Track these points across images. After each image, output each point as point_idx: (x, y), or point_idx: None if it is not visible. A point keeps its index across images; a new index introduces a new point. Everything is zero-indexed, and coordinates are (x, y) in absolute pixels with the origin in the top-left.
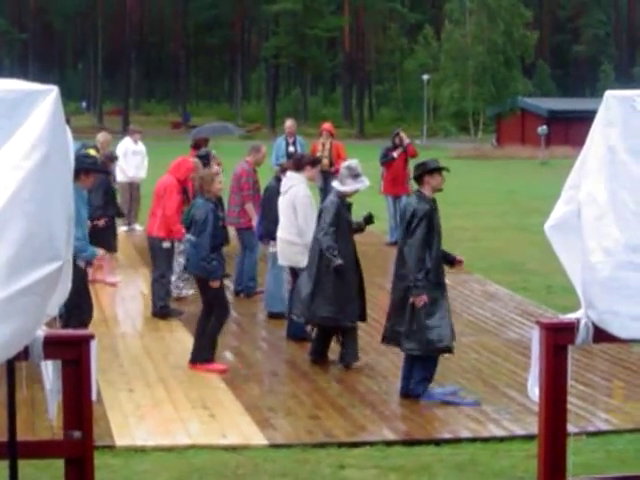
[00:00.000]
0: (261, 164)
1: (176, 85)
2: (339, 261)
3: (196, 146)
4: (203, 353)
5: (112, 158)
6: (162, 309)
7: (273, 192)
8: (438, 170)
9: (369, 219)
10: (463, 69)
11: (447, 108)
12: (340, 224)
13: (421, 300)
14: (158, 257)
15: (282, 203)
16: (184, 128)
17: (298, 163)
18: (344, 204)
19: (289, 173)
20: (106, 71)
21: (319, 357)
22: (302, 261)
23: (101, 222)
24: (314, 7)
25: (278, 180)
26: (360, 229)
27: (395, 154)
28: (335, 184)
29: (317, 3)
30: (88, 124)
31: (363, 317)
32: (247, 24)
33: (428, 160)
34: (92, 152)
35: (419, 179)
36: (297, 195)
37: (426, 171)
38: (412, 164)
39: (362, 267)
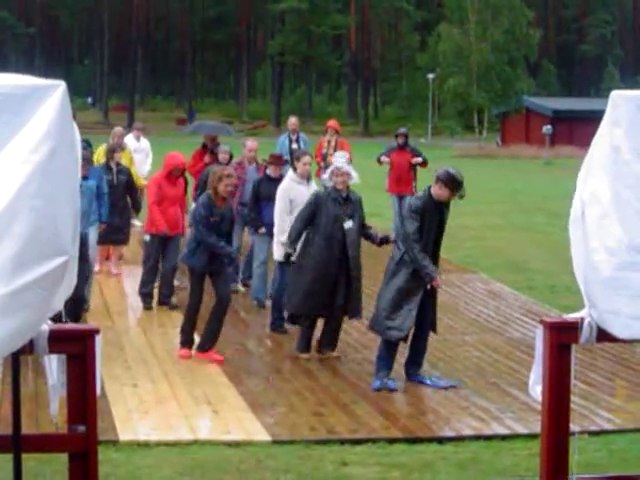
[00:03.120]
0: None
1: (182, 82)
2: (288, 250)
3: (205, 145)
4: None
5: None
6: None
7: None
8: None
9: (384, 240)
10: (466, 66)
11: (451, 103)
12: (318, 216)
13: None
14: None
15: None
16: (189, 125)
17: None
18: (331, 197)
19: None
20: (112, 67)
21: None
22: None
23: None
24: (320, 5)
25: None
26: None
27: (383, 159)
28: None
29: (323, 1)
30: (94, 120)
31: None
32: (253, 21)
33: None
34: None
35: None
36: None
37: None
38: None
39: (365, 265)
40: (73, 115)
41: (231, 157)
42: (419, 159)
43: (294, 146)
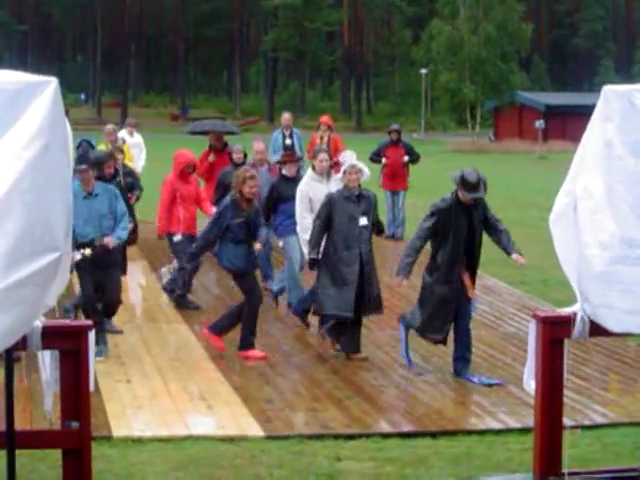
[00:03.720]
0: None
1: (175, 78)
2: (312, 255)
3: (214, 147)
4: (242, 341)
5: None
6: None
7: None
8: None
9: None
10: (458, 60)
11: (444, 98)
12: (334, 216)
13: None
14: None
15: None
16: (182, 120)
17: None
18: (344, 197)
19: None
20: (105, 63)
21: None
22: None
23: None
24: (313, 1)
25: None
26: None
27: (383, 162)
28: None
29: None
30: (87, 116)
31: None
32: (246, 17)
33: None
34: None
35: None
36: None
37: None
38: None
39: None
40: (66, 111)
41: (245, 156)
42: (408, 157)
43: (288, 142)
